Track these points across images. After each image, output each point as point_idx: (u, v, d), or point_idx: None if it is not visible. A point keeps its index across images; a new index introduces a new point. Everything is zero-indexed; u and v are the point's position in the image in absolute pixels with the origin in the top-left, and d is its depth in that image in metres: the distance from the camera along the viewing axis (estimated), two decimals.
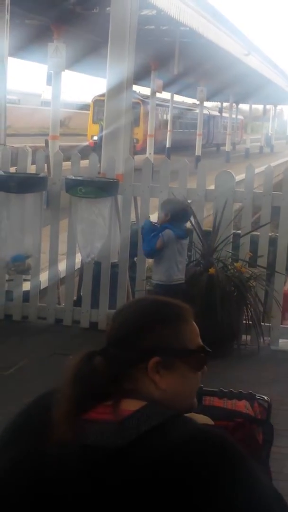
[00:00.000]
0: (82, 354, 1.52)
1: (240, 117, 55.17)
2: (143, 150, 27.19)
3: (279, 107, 60.75)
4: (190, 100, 43.93)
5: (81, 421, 1.42)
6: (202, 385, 2.01)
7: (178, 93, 37.05)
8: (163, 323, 1.54)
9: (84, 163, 7.19)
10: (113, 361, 1.49)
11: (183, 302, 1.62)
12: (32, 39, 16.13)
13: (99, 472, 1.36)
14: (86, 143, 30.76)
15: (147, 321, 1.54)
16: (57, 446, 1.40)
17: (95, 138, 31.26)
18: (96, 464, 1.37)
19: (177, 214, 6.02)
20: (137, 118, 30.73)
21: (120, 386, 1.47)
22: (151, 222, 6.21)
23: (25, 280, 7.15)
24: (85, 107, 43.17)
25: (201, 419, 1.69)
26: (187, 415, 1.53)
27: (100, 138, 27.54)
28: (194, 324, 1.59)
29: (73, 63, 18.88)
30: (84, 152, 7.04)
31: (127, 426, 1.39)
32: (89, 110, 36.10)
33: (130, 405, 1.44)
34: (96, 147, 24.61)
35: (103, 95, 35.12)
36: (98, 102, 32.89)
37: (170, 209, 6.03)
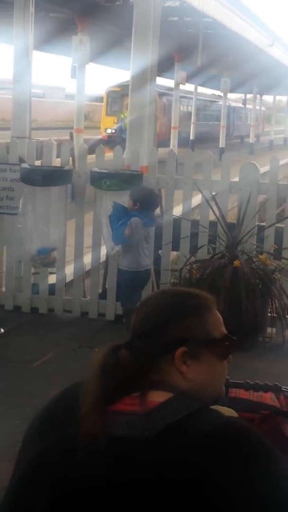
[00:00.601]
0: (108, 347, 1.52)
1: (262, 108, 54.71)
2: (159, 145, 26.91)
3: None
4: (209, 91, 43.60)
5: (109, 413, 1.43)
6: (228, 377, 2.01)
7: (202, 85, 36.84)
8: (187, 314, 1.55)
9: (109, 155, 7.19)
10: (139, 353, 1.50)
11: (205, 292, 1.63)
12: (56, 32, 16.14)
13: (126, 463, 1.37)
14: (100, 137, 29.45)
15: (171, 312, 1.55)
16: (84, 438, 1.41)
17: (109, 131, 30.46)
18: (123, 455, 1.38)
19: (145, 203, 6.15)
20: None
21: (147, 378, 1.48)
22: (121, 207, 6.24)
23: (51, 273, 7.19)
24: None
25: (227, 411, 1.69)
26: (212, 407, 1.54)
27: (120, 130, 26.93)
28: (218, 313, 1.60)
29: (97, 56, 18.86)
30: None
31: (154, 418, 1.40)
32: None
33: (157, 397, 1.45)
34: (109, 141, 24.48)
35: (117, 86, 31.67)
36: (112, 94, 32.40)
37: (139, 197, 6.16)
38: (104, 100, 33.53)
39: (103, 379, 1.47)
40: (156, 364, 1.50)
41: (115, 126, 30.76)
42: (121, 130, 27.41)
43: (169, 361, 1.50)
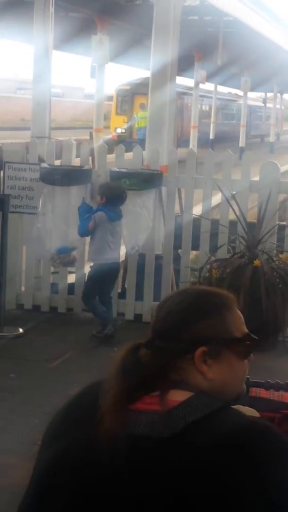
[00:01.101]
0: (129, 346, 1.52)
1: (281, 107, 54.39)
2: (178, 145, 26.56)
3: None
4: (226, 90, 43.45)
5: (129, 411, 1.43)
6: (248, 376, 2.00)
7: (222, 83, 36.78)
8: (207, 313, 1.53)
9: (128, 155, 7.20)
10: (159, 353, 1.49)
11: (226, 291, 1.62)
12: (76, 32, 16.17)
13: (145, 462, 1.37)
14: (109, 136, 27.48)
15: (192, 311, 1.53)
16: (104, 436, 1.41)
17: (119, 130, 29.12)
18: (142, 454, 1.38)
19: (111, 198, 6.27)
20: None
21: (167, 377, 1.47)
22: (87, 203, 6.45)
23: (70, 272, 7.20)
24: None
25: (247, 411, 1.68)
26: (233, 406, 1.53)
27: (138, 130, 26.02)
28: (239, 312, 1.58)
29: (116, 56, 18.88)
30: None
31: (174, 417, 1.40)
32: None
33: (177, 396, 1.44)
34: (119, 141, 23.88)
35: (127, 84, 30.53)
36: (122, 92, 31.05)
37: (106, 193, 6.30)
38: (114, 98, 32.09)
39: (123, 378, 1.46)
40: (176, 363, 1.49)
41: (125, 126, 29.67)
42: (138, 130, 27.03)
43: (189, 361, 1.49)
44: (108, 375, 1.49)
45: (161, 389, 1.45)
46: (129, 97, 30.34)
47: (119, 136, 28.28)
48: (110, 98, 34.49)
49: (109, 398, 1.44)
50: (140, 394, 1.45)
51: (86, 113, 41.88)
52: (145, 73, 29.91)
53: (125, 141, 20.96)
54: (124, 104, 30.84)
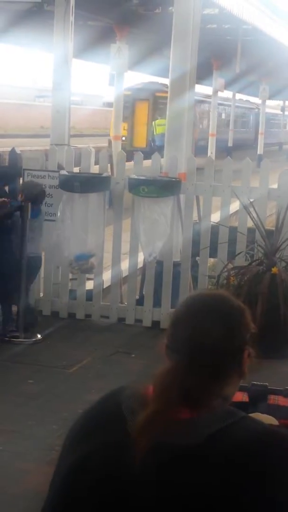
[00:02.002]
0: (172, 364, 1.49)
1: None
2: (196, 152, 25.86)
3: None
4: (240, 97, 43.28)
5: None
6: (266, 383, 2.01)
7: (240, 91, 36.75)
8: (241, 318, 1.55)
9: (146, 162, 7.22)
10: (204, 368, 1.48)
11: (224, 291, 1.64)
12: (95, 41, 16.24)
13: (171, 469, 1.38)
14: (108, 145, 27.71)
15: (231, 323, 1.54)
16: (128, 442, 1.42)
17: (121, 138, 28.62)
18: (168, 461, 1.39)
19: (31, 197, 6.40)
20: (164, 115, 27.08)
21: (210, 389, 1.48)
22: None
23: (88, 279, 7.23)
24: None
25: (266, 419, 1.70)
26: (252, 415, 1.54)
27: (153, 138, 25.24)
28: None
29: (135, 64, 18.93)
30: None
31: (200, 426, 1.41)
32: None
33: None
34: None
35: (128, 89, 27.03)
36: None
37: (26, 192, 6.47)
38: (114, 105, 31.96)
39: (167, 393, 1.45)
40: (222, 375, 1.51)
41: (126, 134, 27.23)
42: (156, 137, 26.60)
43: (234, 368, 1.51)
44: (154, 389, 1.48)
45: (197, 400, 1.45)
46: (130, 103, 28.52)
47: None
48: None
49: (149, 410, 1.43)
50: (178, 405, 1.45)
51: (104, 120, 42.00)
52: (149, 78, 29.69)
53: (125, 150, 19.63)
54: (125, 111, 28.30)
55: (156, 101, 28.95)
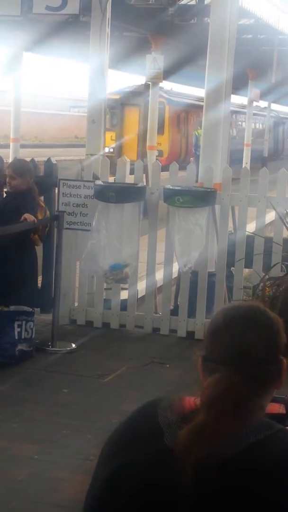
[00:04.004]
0: (219, 376, 1.49)
1: None
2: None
3: None
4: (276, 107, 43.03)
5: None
6: None
7: (275, 101, 36.63)
8: (278, 329, 1.56)
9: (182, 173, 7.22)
10: (251, 380, 1.49)
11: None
12: (130, 51, 16.33)
13: (206, 482, 1.38)
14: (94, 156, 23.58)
15: (271, 334, 1.55)
16: (165, 454, 1.42)
17: (107, 149, 22.41)
18: (206, 472, 1.39)
19: None
20: (161, 123, 22.07)
21: (255, 400, 1.49)
22: None
23: (123, 289, 7.24)
24: None
25: None
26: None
27: (195, 146, 24.05)
28: None
29: (170, 74, 18.99)
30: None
31: (237, 437, 1.41)
32: None
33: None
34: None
35: (116, 92, 24.02)
36: (110, 102, 24.59)
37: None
38: (149, 115, 28.15)
39: (215, 404, 1.45)
40: (265, 386, 1.51)
41: (114, 144, 23.74)
42: (195, 146, 25.35)
43: (274, 379, 1.52)
44: (202, 400, 1.48)
45: (244, 412, 1.45)
46: (119, 109, 24.86)
47: (107, 156, 21.47)
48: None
49: (199, 423, 1.43)
50: (226, 417, 1.45)
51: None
52: (201, 92, 28.99)
53: (114, 162, 15.06)
54: (113, 117, 24.70)
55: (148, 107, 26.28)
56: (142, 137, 24.04)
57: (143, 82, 24.40)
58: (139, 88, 24.82)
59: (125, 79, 25.40)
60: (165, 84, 24.78)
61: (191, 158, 21.79)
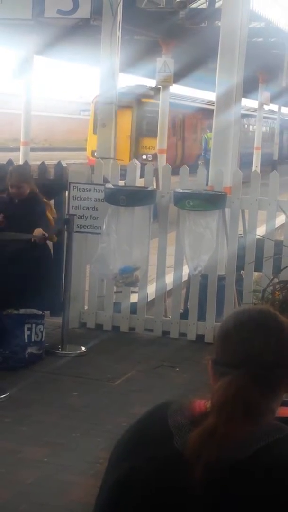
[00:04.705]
0: (230, 378, 1.49)
1: None
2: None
3: None
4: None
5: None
6: None
7: (286, 105, 36.57)
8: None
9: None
10: (264, 381, 1.49)
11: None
12: (141, 55, 16.35)
13: (217, 485, 1.38)
14: (84, 161, 21.75)
15: (281, 337, 1.55)
16: (175, 457, 1.42)
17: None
18: (214, 476, 1.39)
19: None
20: (154, 126, 20.31)
21: (268, 404, 1.49)
22: None
23: (133, 292, 7.24)
24: None
25: None
26: None
27: (205, 150, 23.49)
28: None
29: (180, 78, 19.00)
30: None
31: (248, 441, 1.41)
32: None
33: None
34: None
35: None
36: (100, 104, 23.05)
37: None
38: (92, 112, 23.99)
39: (226, 407, 1.45)
40: (276, 389, 1.51)
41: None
42: (204, 150, 25.11)
43: (285, 382, 1.51)
44: (214, 403, 1.48)
45: (256, 415, 1.45)
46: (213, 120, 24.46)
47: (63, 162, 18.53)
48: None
49: (209, 426, 1.43)
50: (238, 420, 1.45)
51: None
52: (211, 95, 28.88)
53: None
54: (102, 119, 23.05)
55: (141, 108, 24.14)
56: (134, 140, 23.86)
57: (135, 83, 24.77)
58: (131, 89, 24.11)
59: (135, 82, 25.18)
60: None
61: (200, 162, 21.69)
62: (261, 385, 1.47)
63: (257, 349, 1.50)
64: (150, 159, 9.15)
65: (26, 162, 7.10)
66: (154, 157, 11.41)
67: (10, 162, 7.50)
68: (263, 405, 1.47)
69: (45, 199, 6.58)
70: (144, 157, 22.06)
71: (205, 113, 26.40)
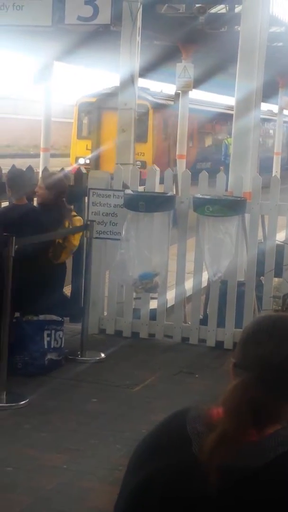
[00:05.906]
0: (241, 381, 1.49)
1: None
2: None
3: None
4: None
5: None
6: None
7: None
8: None
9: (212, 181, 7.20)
10: (274, 387, 1.48)
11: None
12: (161, 60, 16.36)
13: (234, 492, 1.37)
14: (68, 168, 20.24)
15: None
16: (194, 464, 1.41)
17: (82, 161, 20.17)
18: (232, 483, 1.38)
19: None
20: (144, 130, 19.79)
21: (280, 411, 1.47)
22: None
23: (152, 298, 7.22)
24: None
25: None
26: None
27: (225, 155, 23.84)
28: None
29: (200, 82, 19.00)
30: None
31: (265, 448, 1.40)
32: None
33: (271, 427, 1.44)
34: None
35: (92, 95, 21.55)
36: (85, 106, 21.83)
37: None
38: (75, 115, 22.41)
39: (236, 410, 1.45)
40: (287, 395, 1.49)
41: (90, 155, 20.70)
42: (224, 155, 25.05)
43: None
44: (223, 410, 1.47)
45: (266, 421, 1.44)
46: (95, 114, 21.43)
47: (79, 168, 13.87)
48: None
49: (220, 432, 1.43)
50: (248, 426, 1.44)
51: None
52: (231, 100, 28.71)
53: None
54: (89, 124, 21.87)
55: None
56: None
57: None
58: (118, 90, 22.77)
59: (154, 87, 25.28)
60: (166, 88, 23.28)
61: (221, 167, 21.70)
62: (272, 389, 1.46)
63: (268, 352, 1.50)
64: (138, 165, 8.55)
65: (62, 169, 7.12)
66: (174, 162, 11.37)
67: (30, 168, 7.53)
68: (276, 410, 1.46)
69: (73, 213, 6.55)
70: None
71: (221, 118, 26.17)
